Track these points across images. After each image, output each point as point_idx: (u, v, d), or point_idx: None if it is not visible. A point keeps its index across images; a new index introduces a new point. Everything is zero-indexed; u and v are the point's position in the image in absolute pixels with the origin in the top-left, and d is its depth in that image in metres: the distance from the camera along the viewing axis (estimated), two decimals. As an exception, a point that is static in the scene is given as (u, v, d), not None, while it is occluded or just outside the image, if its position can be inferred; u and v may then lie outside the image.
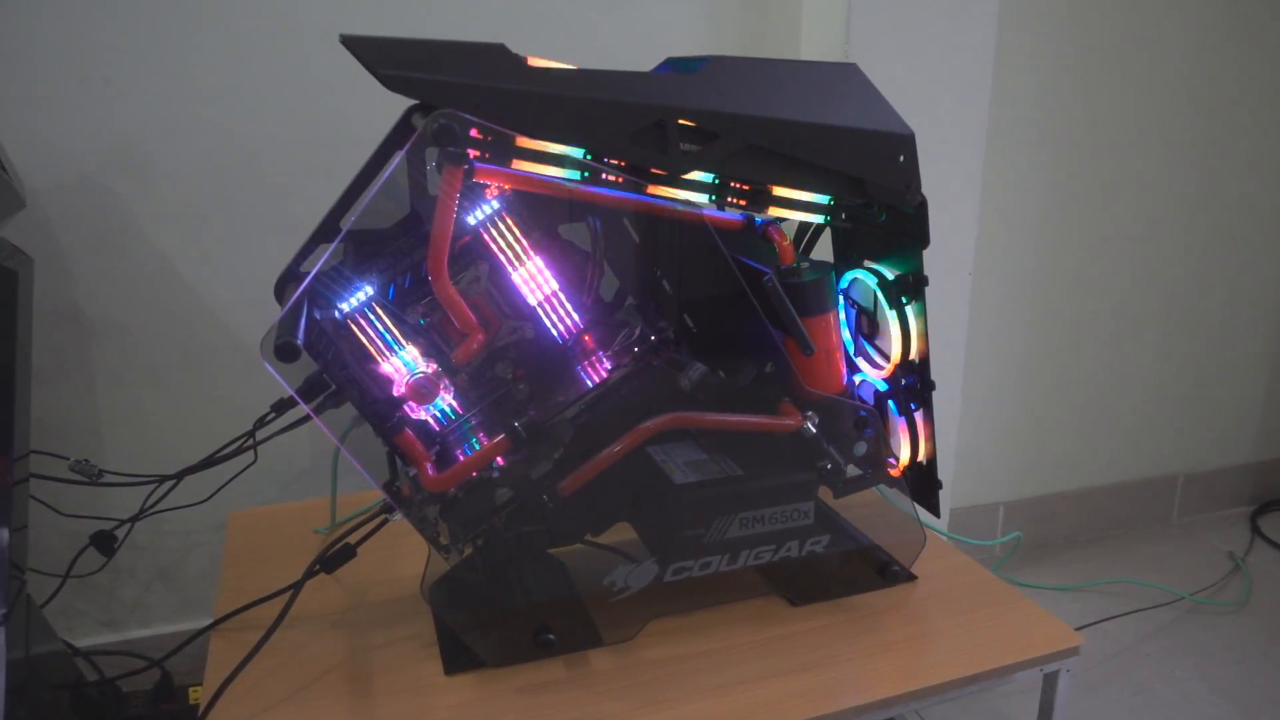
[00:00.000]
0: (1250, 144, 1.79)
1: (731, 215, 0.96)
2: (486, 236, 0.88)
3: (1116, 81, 1.63)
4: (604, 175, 0.81)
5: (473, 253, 0.91)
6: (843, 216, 0.97)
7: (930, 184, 1.36)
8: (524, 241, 0.89)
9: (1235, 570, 1.75)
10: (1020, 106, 1.56)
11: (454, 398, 0.92)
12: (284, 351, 0.69)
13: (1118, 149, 1.68)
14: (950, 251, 1.42)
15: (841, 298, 1.05)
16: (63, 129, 1.13)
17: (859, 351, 1.06)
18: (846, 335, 1.06)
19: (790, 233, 1.05)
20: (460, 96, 0.72)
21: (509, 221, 0.88)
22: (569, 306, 0.93)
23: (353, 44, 0.70)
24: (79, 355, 1.20)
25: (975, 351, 1.65)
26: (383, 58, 0.71)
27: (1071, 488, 1.85)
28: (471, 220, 0.88)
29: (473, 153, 0.76)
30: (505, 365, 0.96)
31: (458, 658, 0.88)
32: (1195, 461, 1.96)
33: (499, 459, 0.85)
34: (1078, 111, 1.62)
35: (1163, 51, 1.65)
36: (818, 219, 0.94)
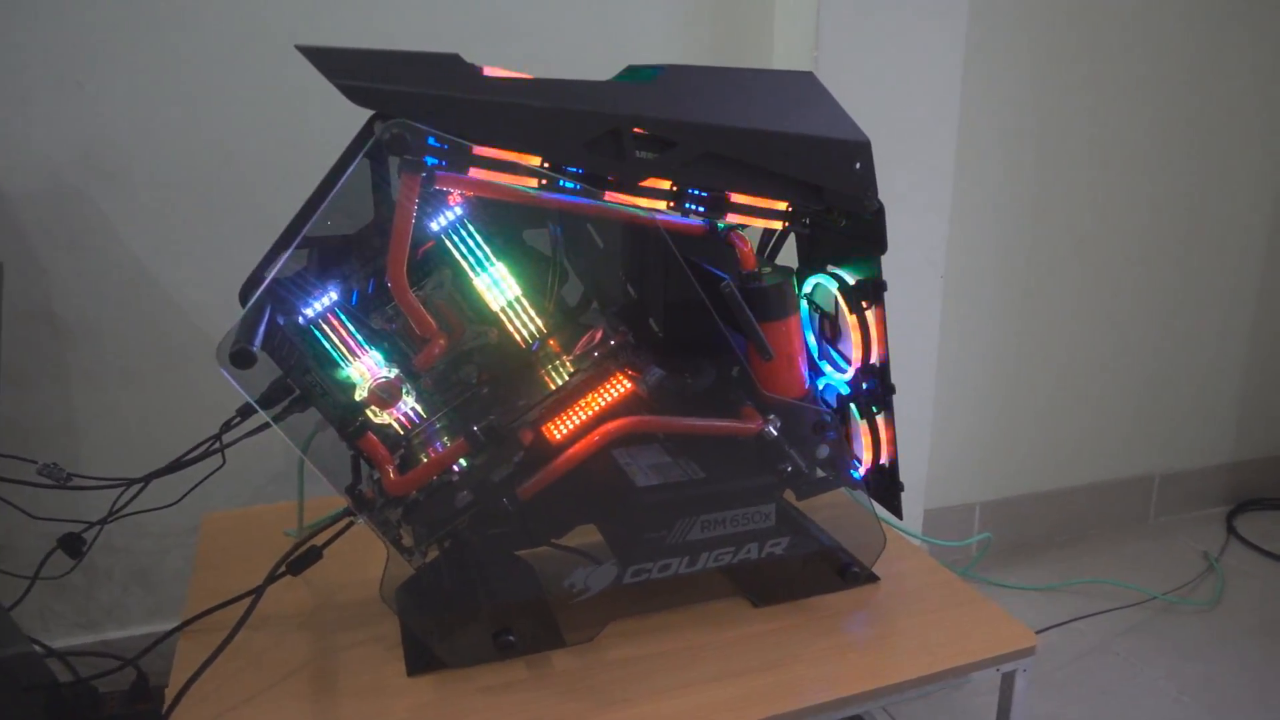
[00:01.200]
0: (1224, 144, 1.81)
1: (693, 221, 0.97)
2: (449, 243, 0.90)
3: (1086, 85, 1.64)
4: (562, 183, 0.82)
5: (436, 258, 0.92)
6: (805, 222, 0.98)
7: (902, 187, 1.38)
8: (486, 248, 0.90)
9: (1209, 570, 1.76)
10: (991, 110, 1.57)
11: (420, 401, 0.93)
12: (239, 358, 0.70)
13: (1091, 151, 1.69)
14: (922, 253, 1.43)
15: (805, 302, 1.06)
16: (36, 131, 1.14)
17: (823, 355, 1.07)
18: (811, 339, 1.08)
19: (755, 238, 1.07)
20: (414, 106, 0.73)
21: (471, 228, 0.89)
22: (532, 311, 0.94)
23: (309, 53, 0.71)
24: (53, 356, 1.21)
25: (949, 352, 1.66)
26: (338, 67, 0.72)
27: (1048, 488, 1.86)
28: (434, 226, 0.89)
29: (432, 161, 0.77)
30: (471, 369, 0.97)
31: (420, 659, 0.90)
32: (1172, 462, 1.98)
33: (459, 462, 0.86)
34: (1049, 115, 1.63)
35: (1132, 55, 1.66)
36: (776, 225, 0.95)
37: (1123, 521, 1.95)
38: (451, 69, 0.75)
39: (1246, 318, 1.97)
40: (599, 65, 0.91)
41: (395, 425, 0.93)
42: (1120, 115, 1.69)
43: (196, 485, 1.04)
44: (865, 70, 1.29)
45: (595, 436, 0.87)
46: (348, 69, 0.72)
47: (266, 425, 0.96)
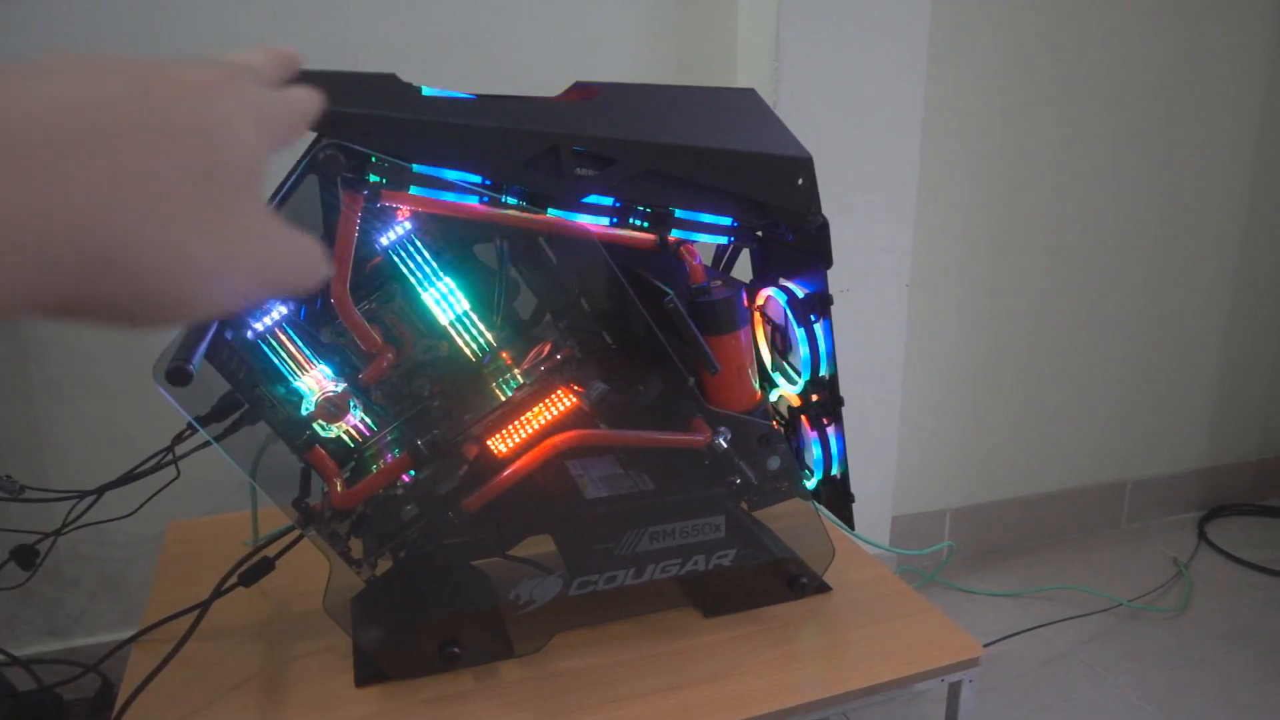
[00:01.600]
0: (1195, 151, 1.82)
1: (642, 235, 0.98)
2: (396, 258, 0.90)
3: (1053, 92, 1.65)
4: (505, 199, 0.83)
5: (385, 273, 0.93)
6: (758, 235, 0.99)
7: (866, 196, 1.39)
8: (434, 263, 0.91)
9: (1178, 576, 1.77)
10: (956, 118, 1.58)
11: (371, 415, 0.94)
12: (174, 375, 0.71)
13: (1060, 157, 1.70)
14: (887, 262, 1.44)
15: (758, 314, 1.07)
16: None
17: (776, 367, 1.08)
18: (765, 353, 1.08)
19: (710, 250, 1.08)
20: (351, 125, 0.74)
21: (419, 243, 0.90)
22: (481, 325, 0.95)
23: (245, 76, 0.72)
24: (18, 366, 1.22)
25: (918, 360, 1.67)
26: (274, 89, 0.72)
27: (1020, 494, 1.87)
28: (383, 241, 0.90)
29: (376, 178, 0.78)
30: (423, 382, 0.98)
31: (368, 670, 0.91)
32: (1144, 468, 1.98)
33: (404, 476, 0.87)
34: (1015, 122, 1.64)
35: (1099, 60, 1.67)
36: (722, 240, 0.96)
37: (1095, 527, 1.96)
38: (388, 88, 0.76)
39: (1219, 324, 1.97)
40: (563, 83, 0.92)
41: (345, 438, 0.94)
42: (1088, 121, 1.70)
43: (152, 496, 1.05)
44: (827, 81, 1.30)
45: (540, 450, 0.88)
46: (284, 90, 0.73)
47: (220, 437, 0.97)
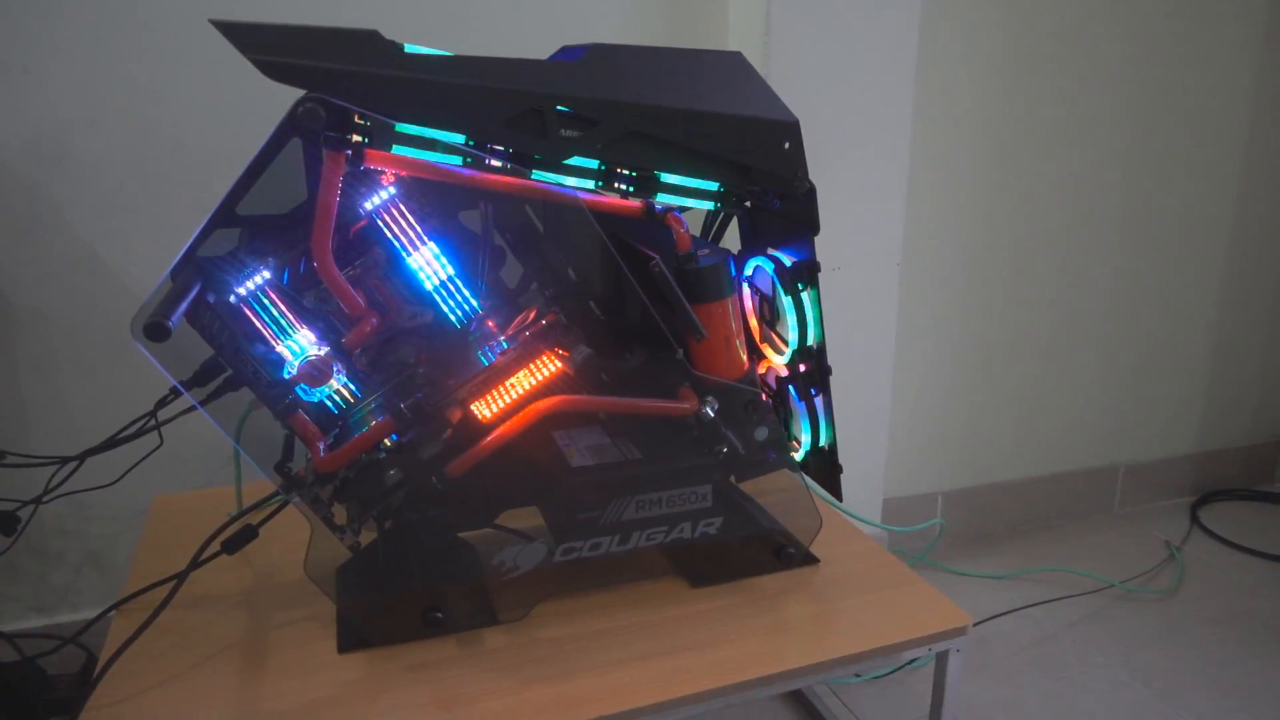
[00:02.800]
0: (1190, 135, 1.81)
1: (629, 202, 0.97)
2: (380, 222, 0.90)
3: (1050, 68, 1.65)
4: (487, 161, 0.82)
5: (369, 238, 0.92)
6: (746, 204, 0.98)
7: (855, 174, 1.38)
8: (418, 228, 0.90)
9: (1170, 559, 1.77)
10: (949, 93, 1.58)
11: (354, 382, 0.93)
12: (152, 330, 0.71)
13: (1053, 139, 1.70)
14: (878, 241, 1.44)
15: (746, 284, 1.07)
16: (-19, 116, 1.14)
17: (765, 338, 1.08)
18: (753, 323, 1.08)
19: (699, 220, 1.07)
20: (331, 82, 0.73)
21: (403, 208, 0.89)
22: (466, 292, 0.94)
23: (224, 28, 0.72)
24: (3, 344, 1.21)
25: (910, 341, 1.67)
26: (254, 42, 0.72)
27: (1012, 478, 1.87)
28: (367, 206, 0.89)
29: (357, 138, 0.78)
30: (408, 349, 0.97)
31: (351, 637, 0.90)
32: (1136, 452, 1.98)
33: (387, 440, 0.87)
34: (1010, 99, 1.63)
35: (1098, 37, 1.67)
36: (708, 205, 0.95)
37: (1087, 512, 1.96)
38: (370, 45, 0.75)
39: (1211, 310, 1.97)
40: (550, 47, 0.91)
41: (329, 404, 0.93)
42: (1085, 100, 1.69)
43: (135, 465, 1.04)
44: (818, 55, 1.30)
45: (525, 415, 0.87)
46: (262, 44, 0.72)
47: (205, 402, 0.96)
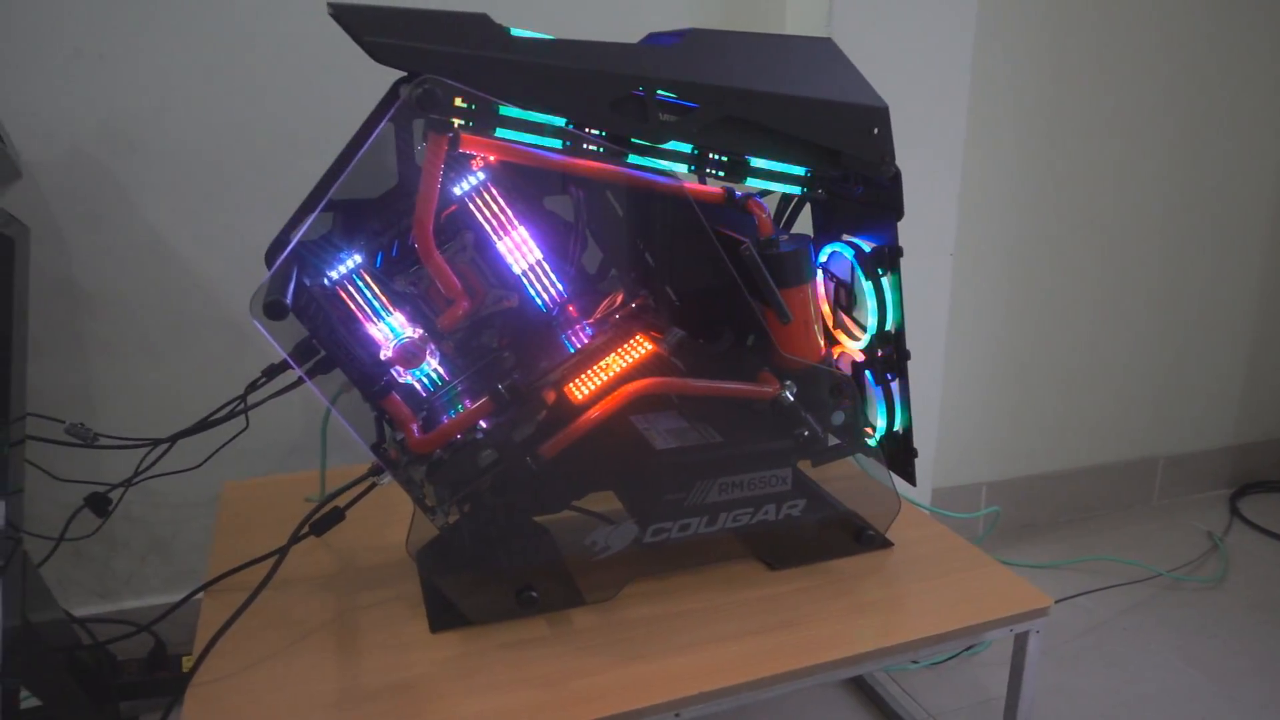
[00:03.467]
0: (1232, 129, 1.82)
1: (711, 188, 0.99)
2: (472, 206, 0.91)
3: (1099, 66, 1.66)
4: (585, 146, 0.83)
5: (459, 223, 0.93)
6: (819, 191, 0.99)
7: (910, 165, 1.39)
8: (508, 212, 0.91)
9: (1213, 549, 1.78)
10: (1002, 89, 1.59)
11: (441, 365, 0.94)
12: (272, 309, 0.72)
13: (1100, 133, 1.70)
14: (931, 232, 1.44)
15: (820, 272, 1.07)
16: (56, 103, 1.15)
17: (838, 324, 1.09)
18: (826, 308, 1.09)
19: (771, 208, 1.08)
20: (443, 64, 0.74)
21: (494, 192, 0.90)
22: (553, 276, 0.95)
23: (340, 12, 0.73)
24: (72, 327, 1.22)
25: (957, 333, 1.67)
26: (368, 26, 0.73)
27: (1053, 469, 1.87)
28: (457, 191, 0.90)
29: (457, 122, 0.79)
30: (491, 334, 0.99)
31: (442, 616, 0.91)
32: (1176, 444, 1.99)
33: (483, 421, 0.88)
34: (1059, 96, 1.64)
35: (1146, 30, 1.67)
36: (795, 190, 0.96)
37: (1127, 503, 1.96)
38: (480, 29, 0.76)
39: (1251, 304, 1.98)
40: (611, 33, 0.92)
41: (418, 387, 0.94)
42: (1135, 98, 1.70)
43: (222, 447, 1.05)
44: (876, 47, 1.30)
45: (617, 397, 0.88)
46: (375, 27, 0.73)
47: (290, 387, 0.97)
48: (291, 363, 0.81)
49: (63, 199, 1.18)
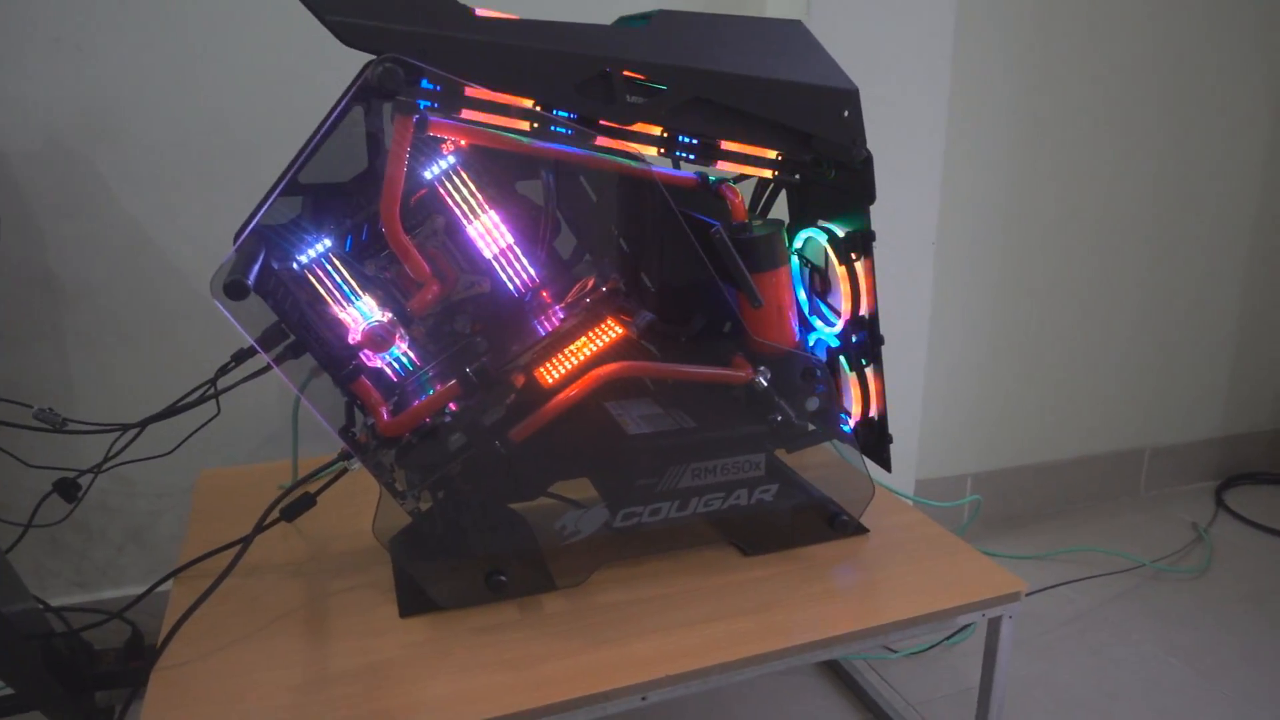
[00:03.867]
0: (1221, 120, 1.82)
1: (684, 174, 0.98)
2: (442, 190, 0.90)
3: (1083, 52, 1.65)
4: (553, 128, 0.83)
5: (429, 206, 0.93)
6: (795, 176, 0.99)
7: (891, 154, 1.38)
8: (479, 196, 0.91)
9: (1198, 540, 1.78)
10: (985, 78, 1.58)
11: (412, 350, 0.94)
12: (232, 289, 0.71)
13: (1086, 123, 1.70)
14: (912, 222, 1.44)
15: (796, 258, 1.07)
16: (34, 93, 1.14)
17: (813, 310, 1.08)
18: (801, 295, 1.09)
19: (746, 194, 1.08)
20: (406, 44, 0.74)
21: (464, 176, 0.90)
22: (524, 261, 0.95)
23: (301, -9, 0.72)
24: (50, 318, 1.22)
25: (942, 323, 1.67)
26: (331, 5, 0.72)
27: (1039, 460, 1.87)
28: (427, 175, 0.90)
29: (425, 104, 0.78)
30: (464, 319, 0.98)
31: (413, 601, 0.91)
32: (1162, 436, 1.99)
33: (452, 405, 0.87)
34: (1045, 83, 1.64)
35: (1133, 20, 1.67)
36: (767, 174, 0.96)
37: (1113, 495, 1.96)
38: (443, 8, 0.76)
39: (1238, 296, 1.98)
40: (587, 16, 0.92)
41: (388, 372, 0.94)
42: (1118, 84, 1.70)
43: (193, 433, 1.05)
44: (856, 31, 1.30)
45: (587, 380, 0.88)
46: (338, 5, 0.73)
47: (260, 372, 0.97)
48: (257, 347, 0.81)
49: (40, 190, 1.18)
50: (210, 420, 1.01)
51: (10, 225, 1.15)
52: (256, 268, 0.81)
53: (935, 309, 1.58)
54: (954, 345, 1.72)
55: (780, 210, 1.10)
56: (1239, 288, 1.97)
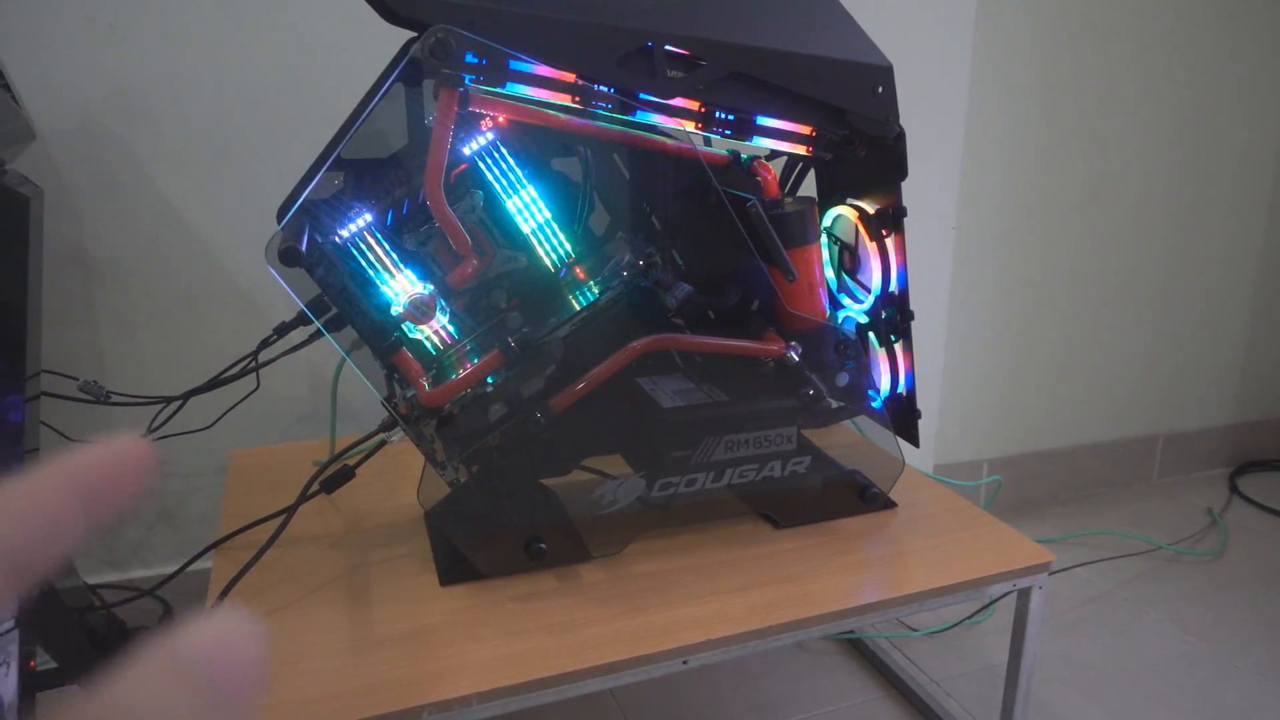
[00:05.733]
0: (1237, 113, 1.83)
1: (717, 152, 1.00)
2: (481, 165, 0.92)
3: (1102, 39, 1.67)
4: (594, 104, 0.84)
5: (468, 182, 0.95)
6: (825, 153, 1.00)
7: (912, 139, 1.40)
8: (518, 171, 0.92)
9: (1212, 525, 1.79)
10: (1005, 59, 1.60)
11: (451, 324, 0.95)
12: (287, 256, 0.73)
13: (1107, 109, 1.71)
14: (933, 206, 1.46)
15: (825, 235, 1.09)
16: (68, 71, 1.16)
17: (841, 287, 1.10)
18: (830, 273, 1.10)
19: (776, 171, 1.09)
20: (451, 17, 0.75)
21: (503, 151, 0.91)
22: (561, 236, 0.96)
23: (353, -35, 0.74)
24: (84, 297, 1.23)
25: (960, 308, 1.69)
26: (381, -22, 0.74)
27: (1054, 446, 1.89)
28: (467, 150, 0.91)
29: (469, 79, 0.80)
30: (500, 294, 1.00)
31: (452, 570, 0.92)
32: (1176, 422, 2.00)
33: (491, 379, 0.89)
34: (1062, 68, 1.65)
35: (1155, 5, 1.68)
36: (801, 150, 0.97)
37: (1127, 481, 1.98)
38: (490, -19, 0.77)
39: (1250, 282, 1.99)
40: None
41: (427, 344, 0.95)
42: (1136, 71, 1.71)
43: (232, 407, 1.06)
44: (876, 12, 1.31)
45: (625, 353, 0.89)
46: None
47: (301, 345, 0.98)
48: (307, 311, 0.82)
49: (75, 168, 1.19)
50: (250, 395, 1.02)
51: (47, 204, 1.16)
52: (304, 240, 0.82)
53: (953, 295, 1.60)
54: (970, 331, 1.74)
55: (808, 189, 1.11)
56: (1253, 275, 1.99)
